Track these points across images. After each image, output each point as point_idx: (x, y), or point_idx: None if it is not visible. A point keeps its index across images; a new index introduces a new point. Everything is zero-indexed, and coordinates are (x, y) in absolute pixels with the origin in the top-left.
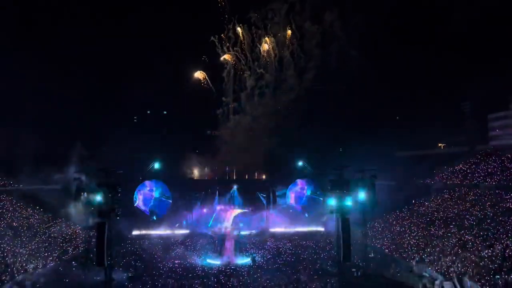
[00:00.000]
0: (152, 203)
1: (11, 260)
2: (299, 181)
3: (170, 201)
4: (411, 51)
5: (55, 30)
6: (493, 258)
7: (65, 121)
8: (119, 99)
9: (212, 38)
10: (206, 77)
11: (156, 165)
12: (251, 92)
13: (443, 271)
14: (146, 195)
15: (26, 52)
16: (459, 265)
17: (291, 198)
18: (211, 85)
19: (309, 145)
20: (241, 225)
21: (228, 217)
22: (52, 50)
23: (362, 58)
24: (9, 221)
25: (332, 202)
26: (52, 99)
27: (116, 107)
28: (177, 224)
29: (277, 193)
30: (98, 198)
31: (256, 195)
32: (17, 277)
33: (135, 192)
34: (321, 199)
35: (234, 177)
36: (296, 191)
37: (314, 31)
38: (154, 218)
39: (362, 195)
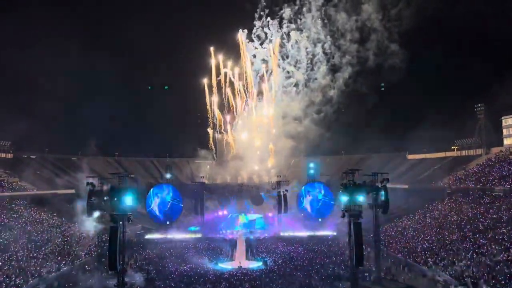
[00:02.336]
0: (167, 208)
1: (25, 264)
2: (316, 184)
3: (182, 205)
4: (427, 54)
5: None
6: (509, 263)
7: (80, 123)
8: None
9: (239, 33)
10: (231, 76)
11: (168, 170)
12: (277, 92)
13: (457, 275)
14: (163, 199)
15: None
16: (473, 269)
17: (305, 201)
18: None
19: (324, 149)
20: (252, 229)
21: (239, 221)
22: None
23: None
24: (23, 225)
25: (344, 200)
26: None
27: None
28: (193, 228)
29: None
30: (111, 202)
31: (267, 199)
32: (31, 281)
33: (150, 196)
34: (333, 203)
35: (245, 180)
36: (312, 195)
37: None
38: (168, 222)
39: (374, 199)
